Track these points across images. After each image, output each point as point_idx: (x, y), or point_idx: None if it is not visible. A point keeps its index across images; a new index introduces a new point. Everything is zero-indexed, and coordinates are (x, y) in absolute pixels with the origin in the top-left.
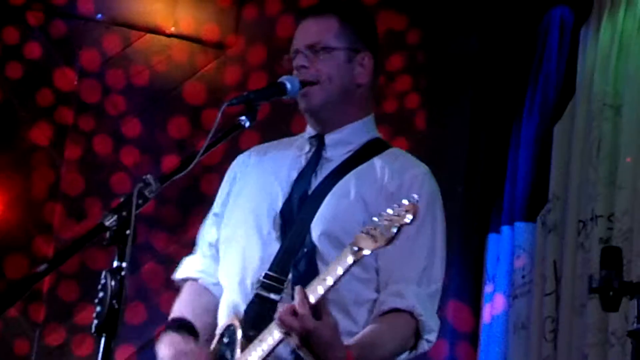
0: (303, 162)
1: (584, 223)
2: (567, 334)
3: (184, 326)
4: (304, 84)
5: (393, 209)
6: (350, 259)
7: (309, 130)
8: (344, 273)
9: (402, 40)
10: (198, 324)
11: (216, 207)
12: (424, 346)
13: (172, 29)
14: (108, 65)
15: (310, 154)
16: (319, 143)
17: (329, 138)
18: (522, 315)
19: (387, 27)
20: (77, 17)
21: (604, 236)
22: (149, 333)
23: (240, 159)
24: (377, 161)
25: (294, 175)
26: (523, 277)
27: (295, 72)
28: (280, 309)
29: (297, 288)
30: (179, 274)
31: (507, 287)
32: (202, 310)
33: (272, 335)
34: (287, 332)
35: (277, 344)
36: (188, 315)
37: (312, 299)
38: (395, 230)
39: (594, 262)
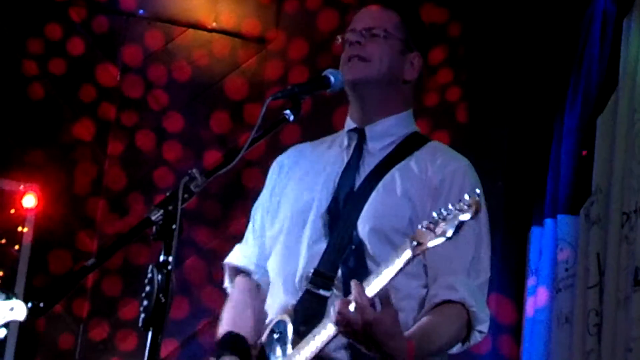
0: (345, 157)
1: (627, 215)
2: (611, 328)
3: (237, 348)
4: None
5: (453, 205)
6: (408, 253)
7: (349, 123)
8: (403, 267)
9: (443, 34)
10: (253, 332)
11: (264, 200)
12: (476, 337)
13: (214, 24)
14: (150, 60)
15: (351, 149)
16: (359, 136)
17: (369, 130)
18: (565, 309)
19: (428, 20)
20: (119, 13)
21: None
22: (191, 327)
23: (280, 158)
24: (419, 155)
25: (337, 171)
26: (566, 270)
27: (347, 47)
28: (336, 304)
29: (354, 282)
30: (236, 259)
31: (550, 280)
32: (257, 316)
33: (326, 330)
34: (345, 326)
35: (331, 340)
36: (246, 328)
37: (370, 293)
38: (456, 225)
39: (639, 254)
